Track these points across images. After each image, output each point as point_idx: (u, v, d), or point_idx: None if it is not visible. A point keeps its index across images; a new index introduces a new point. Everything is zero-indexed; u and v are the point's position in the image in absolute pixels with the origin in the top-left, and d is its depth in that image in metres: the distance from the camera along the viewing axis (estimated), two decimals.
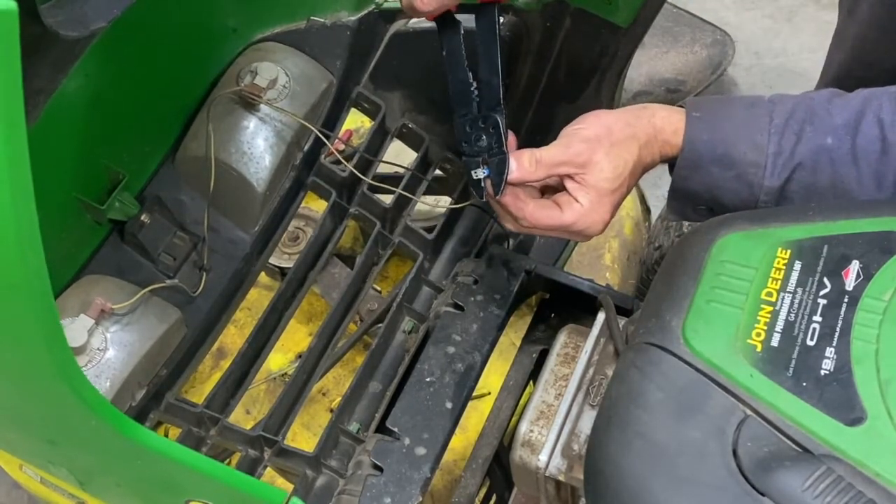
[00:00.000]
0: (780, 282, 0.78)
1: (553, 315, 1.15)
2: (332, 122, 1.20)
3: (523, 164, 0.94)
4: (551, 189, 0.99)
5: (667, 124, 0.95)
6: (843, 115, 0.90)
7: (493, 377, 1.20)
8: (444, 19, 0.95)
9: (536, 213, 0.95)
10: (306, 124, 1.16)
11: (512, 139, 0.96)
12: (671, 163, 0.96)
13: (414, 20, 1.19)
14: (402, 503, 0.96)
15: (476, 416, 1.24)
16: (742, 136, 0.92)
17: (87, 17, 0.80)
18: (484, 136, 0.94)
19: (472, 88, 0.95)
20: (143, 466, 0.88)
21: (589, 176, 0.93)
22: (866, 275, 0.76)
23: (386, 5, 1.20)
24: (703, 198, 0.95)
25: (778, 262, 0.79)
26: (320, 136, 1.17)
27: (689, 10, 1.88)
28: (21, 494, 1.55)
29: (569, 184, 0.94)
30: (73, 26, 0.78)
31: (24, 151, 0.55)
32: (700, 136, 0.93)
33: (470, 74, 0.95)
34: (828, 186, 0.90)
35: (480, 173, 0.94)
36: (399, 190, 1.18)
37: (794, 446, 0.69)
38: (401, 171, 1.22)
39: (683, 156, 0.94)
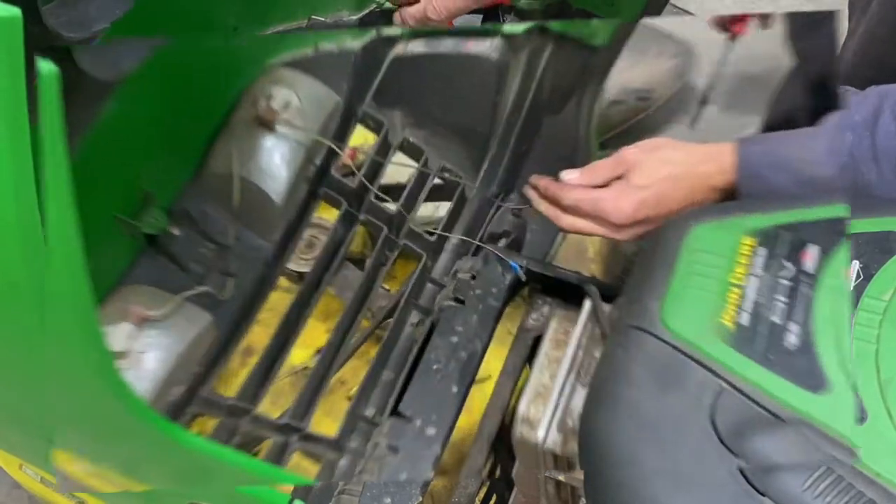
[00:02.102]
0: (746, 266, 0.79)
1: (545, 304, 1.16)
2: (339, 138, 1.23)
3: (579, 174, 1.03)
4: None
5: (714, 170, 0.96)
6: (861, 112, 0.88)
7: (494, 362, 1.18)
8: None
9: (576, 189, 1.03)
10: (323, 139, 1.18)
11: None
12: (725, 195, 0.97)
13: (411, 45, 1.22)
14: (416, 478, 0.97)
15: (479, 398, 1.19)
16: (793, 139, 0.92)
17: (89, 19, 0.78)
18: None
19: None
20: (175, 461, 0.90)
21: (632, 174, 0.99)
22: (866, 275, 0.75)
23: (387, 5, 1.23)
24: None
25: (744, 249, 0.80)
26: (335, 148, 1.19)
27: (689, 10, 1.85)
28: (21, 494, 1.53)
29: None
30: (75, 28, 0.76)
31: (65, 172, 0.55)
32: (753, 149, 0.93)
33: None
34: (849, 185, 0.88)
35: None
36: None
37: (765, 413, 0.70)
38: (402, 180, 1.25)
39: (740, 166, 0.94)
